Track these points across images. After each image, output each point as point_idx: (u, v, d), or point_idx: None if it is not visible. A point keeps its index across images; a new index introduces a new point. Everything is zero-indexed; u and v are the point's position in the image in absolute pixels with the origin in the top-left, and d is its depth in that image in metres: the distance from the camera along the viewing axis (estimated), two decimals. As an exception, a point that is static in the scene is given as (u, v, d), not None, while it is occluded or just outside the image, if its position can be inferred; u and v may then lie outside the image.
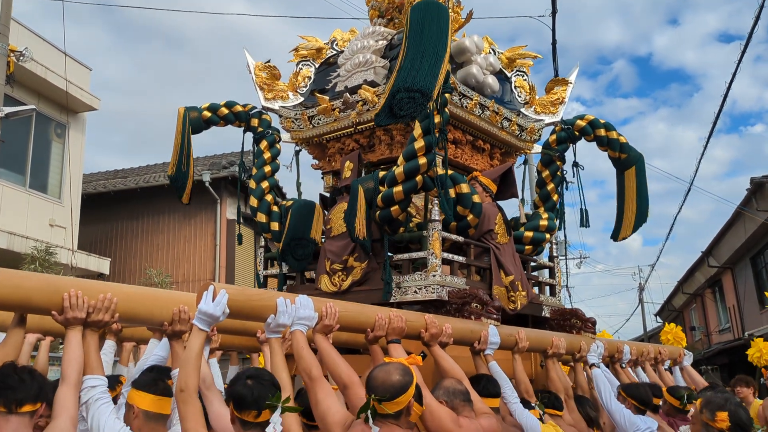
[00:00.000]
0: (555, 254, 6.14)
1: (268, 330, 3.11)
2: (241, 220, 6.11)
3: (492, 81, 5.68)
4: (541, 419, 3.98)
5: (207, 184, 15.20)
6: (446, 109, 4.56)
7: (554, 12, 17.04)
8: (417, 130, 4.47)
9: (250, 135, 5.80)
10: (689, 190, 18.81)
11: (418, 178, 4.48)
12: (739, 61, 11.87)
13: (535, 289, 5.78)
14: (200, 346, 2.78)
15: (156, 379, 3.04)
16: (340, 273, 4.99)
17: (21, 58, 12.47)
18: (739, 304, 20.38)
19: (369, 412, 2.73)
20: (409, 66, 4.02)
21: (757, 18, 11.32)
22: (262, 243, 5.82)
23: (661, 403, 5.29)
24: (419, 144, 4.42)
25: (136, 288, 3.28)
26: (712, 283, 23.68)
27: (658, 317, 33.65)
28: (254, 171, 5.56)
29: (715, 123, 14.44)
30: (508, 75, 6.24)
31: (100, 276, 14.11)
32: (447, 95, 4.57)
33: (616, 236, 6.02)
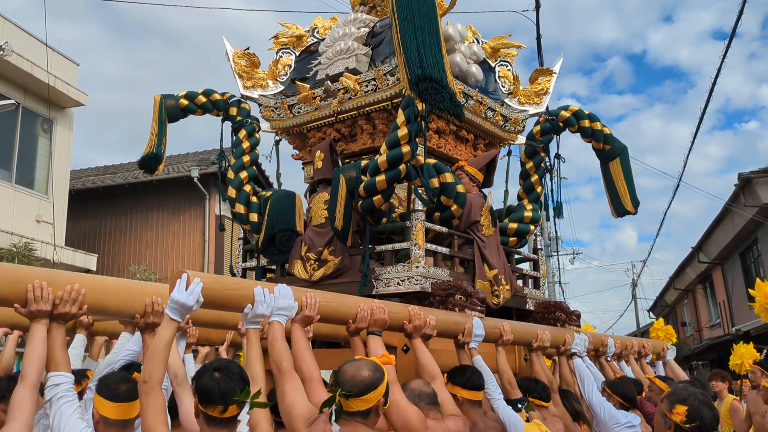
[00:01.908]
0: (539, 246, 6.08)
1: (246, 320, 3.00)
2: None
3: (476, 70, 5.59)
4: (527, 420, 3.90)
5: (195, 179, 15.10)
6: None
7: (538, 6, 17.07)
8: (400, 117, 4.39)
9: (228, 124, 5.67)
10: (678, 186, 18.93)
11: (402, 166, 4.41)
12: (723, 56, 11.89)
13: (519, 282, 5.72)
14: (170, 337, 2.65)
15: (118, 382, 2.90)
16: (313, 262, 4.91)
17: (1, 52, 12.38)
18: (729, 300, 20.39)
19: (334, 408, 2.57)
20: (414, 57, 3.88)
21: (740, 13, 11.28)
22: (241, 234, 5.72)
23: (648, 391, 5.26)
24: (402, 132, 4.34)
25: (107, 279, 3.16)
26: (703, 278, 23.71)
27: (651, 313, 33.66)
28: (233, 161, 5.42)
29: (701, 119, 14.48)
30: (492, 65, 6.15)
31: (87, 272, 14.01)
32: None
33: (620, 212, 5.89)
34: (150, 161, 5.40)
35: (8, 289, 2.64)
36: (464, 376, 3.77)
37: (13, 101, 12.87)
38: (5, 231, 12.12)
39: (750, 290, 7.84)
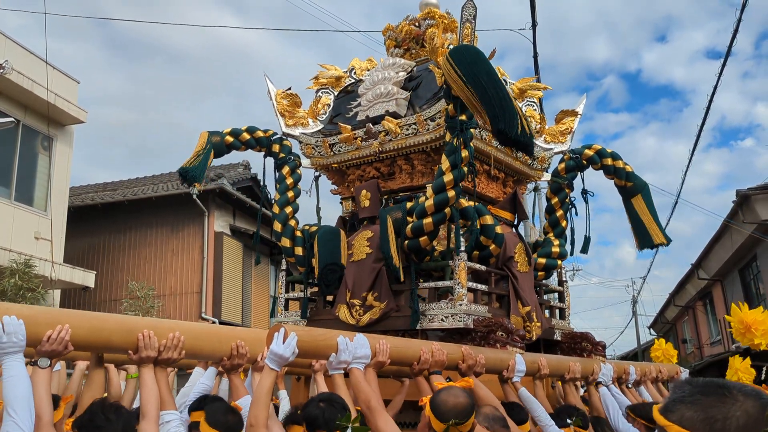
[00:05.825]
0: (564, 278, 6.34)
1: (331, 367, 3.28)
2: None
3: (507, 112, 5.85)
4: None
5: (194, 196, 15.20)
6: (471, 143, 4.74)
7: (534, 25, 17.38)
8: (445, 163, 4.64)
9: (265, 159, 5.88)
10: (676, 203, 19.14)
11: (447, 210, 4.65)
12: (719, 74, 12.01)
13: (546, 312, 5.98)
14: (271, 385, 2.94)
15: (226, 413, 3.19)
16: (358, 308, 5.12)
17: (1, 70, 12.43)
18: (729, 316, 20.31)
19: None
20: (494, 114, 4.12)
21: (735, 32, 11.54)
22: (284, 266, 5.92)
23: None
24: (448, 177, 4.59)
25: (200, 325, 3.43)
26: (703, 295, 23.63)
27: (651, 330, 33.54)
28: (277, 196, 5.65)
29: (698, 136, 14.20)
30: (520, 105, 6.42)
31: (84, 289, 14.05)
32: (472, 130, 4.75)
33: (647, 245, 5.99)
34: (189, 177, 5.50)
35: (122, 339, 2.93)
36: (512, 412, 4.02)
37: (12, 119, 12.93)
38: (4, 248, 12.15)
39: (726, 316, 8.10)
